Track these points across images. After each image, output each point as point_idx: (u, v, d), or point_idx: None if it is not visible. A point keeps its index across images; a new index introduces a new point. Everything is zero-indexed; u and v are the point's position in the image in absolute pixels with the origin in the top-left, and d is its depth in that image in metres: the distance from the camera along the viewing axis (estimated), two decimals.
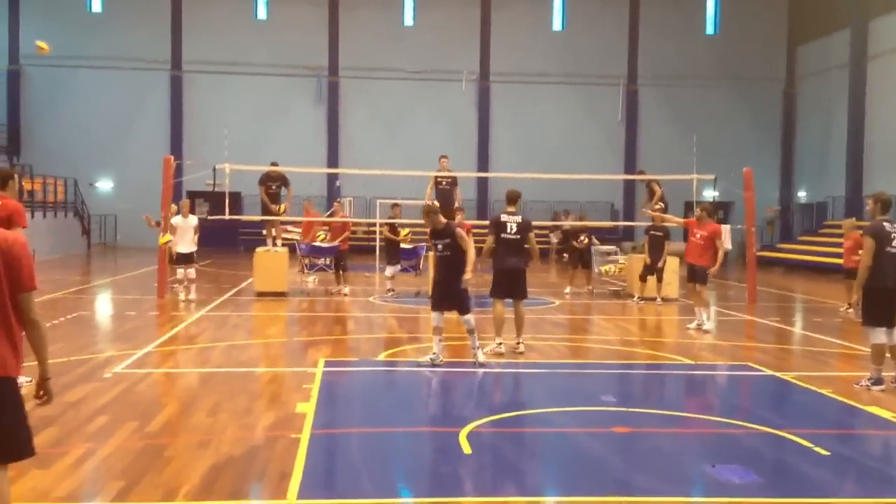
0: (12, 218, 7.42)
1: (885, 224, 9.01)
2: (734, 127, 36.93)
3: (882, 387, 9.06)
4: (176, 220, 16.82)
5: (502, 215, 10.94)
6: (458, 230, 9.92)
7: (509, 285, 10.84)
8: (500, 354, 10.67)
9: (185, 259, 16.56)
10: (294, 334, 13.03)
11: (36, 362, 4.14)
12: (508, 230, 10.72)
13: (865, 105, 31.70)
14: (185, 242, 16.55)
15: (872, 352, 9.17)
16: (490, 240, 10.85)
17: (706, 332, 13.22)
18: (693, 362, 10.88)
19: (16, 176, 7.97)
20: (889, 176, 30.42)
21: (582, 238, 19.34)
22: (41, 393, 4.18)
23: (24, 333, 4.06)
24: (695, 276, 13.57)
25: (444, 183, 17.24)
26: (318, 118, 36.36)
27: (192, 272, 16.52)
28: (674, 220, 16.71)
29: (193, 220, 16.78)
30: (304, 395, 8.30)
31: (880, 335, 9.03)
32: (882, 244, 8.90)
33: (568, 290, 18.79)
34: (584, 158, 34.74)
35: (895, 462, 6.79)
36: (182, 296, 16.42)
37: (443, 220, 10.17)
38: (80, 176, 33.04)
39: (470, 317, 9.91)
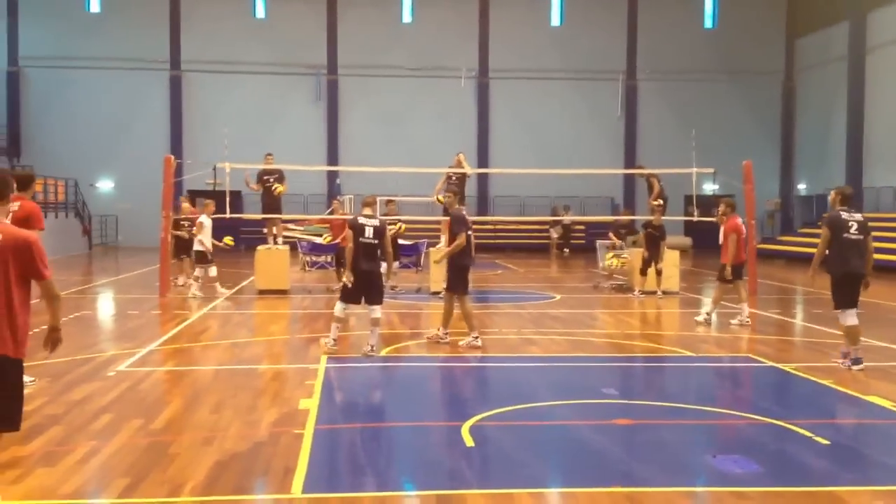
0: (30, 219, 7.73)
1: (841, 213, 9.73)
2: (733, 120, 36.95)
3: (862, 366, 9.52)
4: (203, 219, 16.84)
5: (359, 218, 10.55)
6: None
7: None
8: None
9: (208, 258, 16.58)
10: (296, 331, 13.07)
11: (39, 362, 4.38)
12: (366, 234, 10.34)
13: (864, 97, 31.73)
14: (210, 241, 16.61)
15: (848, 333, 9.69)
16: (461, 237, 10.98)
17: (743, 325, 13.14)
18: (694, 354, 10.93)
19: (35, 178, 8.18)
20: (888, 167, 30.48)
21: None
22: (49, 341, 4.88)
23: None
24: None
25: (453, 179, 17.38)
26: (317, 116, 36.39)
27: (213, 270, 16.58)
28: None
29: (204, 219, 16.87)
30: (306, 391, 8.35)
31: (852, 317, 9.62)
32: (840, 231, 9.62)
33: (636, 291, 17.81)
34: (583, 153, 34.77)
35: (895, 451, 6.82)
36: (197, 293, 16.36)
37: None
38: (81, 176, 33.07)
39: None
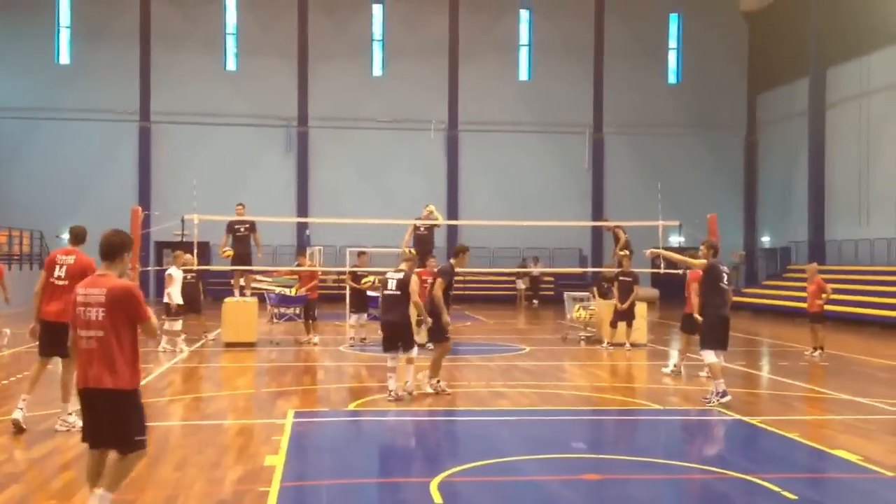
0: (85, 273, 7.99)
1: (718, 264, 11.03)
2: (698, 174, 37.57)
3: (728, 398, 10.55)
4: (172, 271, 16.68)
5: (387, 273, 11.46)
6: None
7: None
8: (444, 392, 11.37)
9: (173, 310, 16.41)
10: (263, 385, 12.92)
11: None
12: (389, 286, 11.13)
13: (825, 151, 32.45)
14: (179, 293, 16.43)
15: (712, 369, 10.86)
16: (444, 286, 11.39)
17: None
18: (662, 408, 10.96)
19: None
20: (849, 220, 31.08)
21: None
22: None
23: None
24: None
25: (422, 229, 17.52)
26: (287, 168, 36.47)
27: (178, 324, 16.40)
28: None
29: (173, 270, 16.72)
30: (273, 447, 8.24)
31: (713, 355, 10.78)
32: (716, 280, 10.89)
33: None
34: (552, 205, 35.16)
35: None
36: (167, 346, 16.13)
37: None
38: (47, 228, 32.70)
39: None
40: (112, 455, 5.62)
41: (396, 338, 11.06)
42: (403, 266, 11.29)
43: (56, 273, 8.76)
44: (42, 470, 7.31)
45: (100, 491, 5.50)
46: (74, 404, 9.88)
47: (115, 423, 5.47)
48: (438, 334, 11.40)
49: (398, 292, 10.98)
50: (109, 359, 5.42)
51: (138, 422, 5.57)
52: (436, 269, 12.56)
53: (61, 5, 35.87)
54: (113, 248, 5.64)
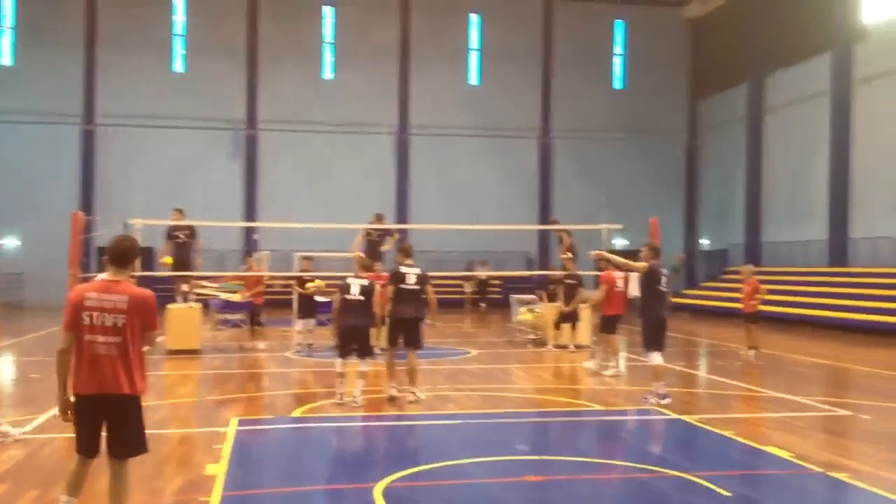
0: None
1: (658, 267, 11.29)
2: (641, 178, 38.13)
3: (669, 399, 10.85)
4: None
5: (401, 267, 11.38)
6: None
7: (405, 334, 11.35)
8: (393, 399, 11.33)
9: None
10: (206, 393, 12.81)
11: None
12: (407, 281, 11.25)
13: (762, 157, 33.23)
14: None
15: (655, 371, 11.11)
16: (390, 290, 11.27)
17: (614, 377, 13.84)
18: (604, 408, 11.15)
19: None
20: (784, 223, 31.88)
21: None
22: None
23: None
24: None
25: (374, 235, 17.59)
26: (235, 171, 36.11)
27: None
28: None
29: None
30: (214, 456, 8.18)
31: (658, 357, 11.06)
32: (654, 283, 11.22)
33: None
34: (500, 209, 35.40)
35: (793, 500, 7.08)
36: None
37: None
38: None
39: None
40: (113, 470, 5.67)
41: (355, 344, 11.04)
42: (363, 273, 11.32)
43: None
44: None
45: None
46: (4, 415, 9.71)
47: (130, 428, 5.59)
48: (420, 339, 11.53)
49: (362, 298, 10.98)
50: (128, 365, 5.49)
51: (143, 427, 5.71)
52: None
53: (5, 5, 35.02)
54: (124, 254, 5.68)
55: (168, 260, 17.40)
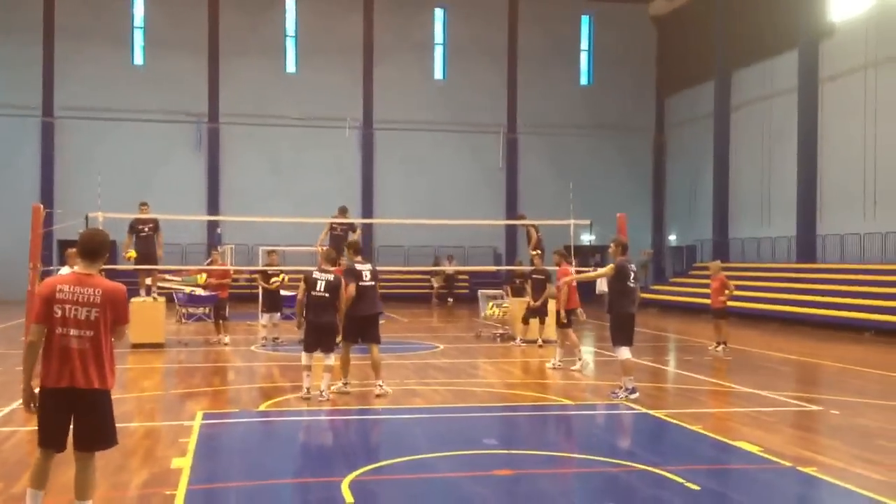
0: None
1: (627, 263, 11.31)
2: (609, 174, 38.30)
3: (637, 395, 10.91)
4: (64, 270, 16.04)
5: (356, 265, 11.31)
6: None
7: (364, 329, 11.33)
8: (347, 394, 11.25)
9: None
10: (171, 387, 12.63)
11: None
12: (364, 278, 11.20)
13: (730, 153, 33.51)
14: None
15: (624, 366, 11.10)
16: (350, 288, 11.11)
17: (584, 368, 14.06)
18: (572, 403, 11.14)
19: None
20: (752, 220, 32.21)
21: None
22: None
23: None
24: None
25: (338, 230, 17.54)
26: (198, 165, 35.66)
27: None
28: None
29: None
30: (180, 449, 8.05)
31: (627, 352, 11.10)
32: (625, 279, 11.21)
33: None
34: (467, 204, 35.37)
35: (760, 495, 7.10)
36: None
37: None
38: None
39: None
40: (80, 463, 5.63)
41: (322, 339, 10.97)
42: (329, 267, 11.18)
43: None
44: None
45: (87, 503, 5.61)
46: None
47: (100, 422, 5.55)
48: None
49: (327, 295, 10.87)
50: (99, 359, 5.46)
51: (113, 420, 5.69)
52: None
53: None
54: (96, 247, 5.64)
55: (132, 254, 17.16)
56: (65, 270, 16.08)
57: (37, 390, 5.52)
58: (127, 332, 5.80)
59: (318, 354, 11.00)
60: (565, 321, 14.23)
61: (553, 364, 14.20)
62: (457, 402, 11.27)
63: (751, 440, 8.63)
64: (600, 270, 12.03)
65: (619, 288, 11.28)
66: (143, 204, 17.87)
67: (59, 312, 5.40)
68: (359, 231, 18.36)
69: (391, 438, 9.26)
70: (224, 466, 7.94)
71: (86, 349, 5.43)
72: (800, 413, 10.68)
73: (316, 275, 11.00)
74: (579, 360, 14.17)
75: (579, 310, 14.14)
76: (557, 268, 14.89)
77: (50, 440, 5.53)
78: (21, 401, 5.63)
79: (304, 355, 11.04)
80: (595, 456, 8.24)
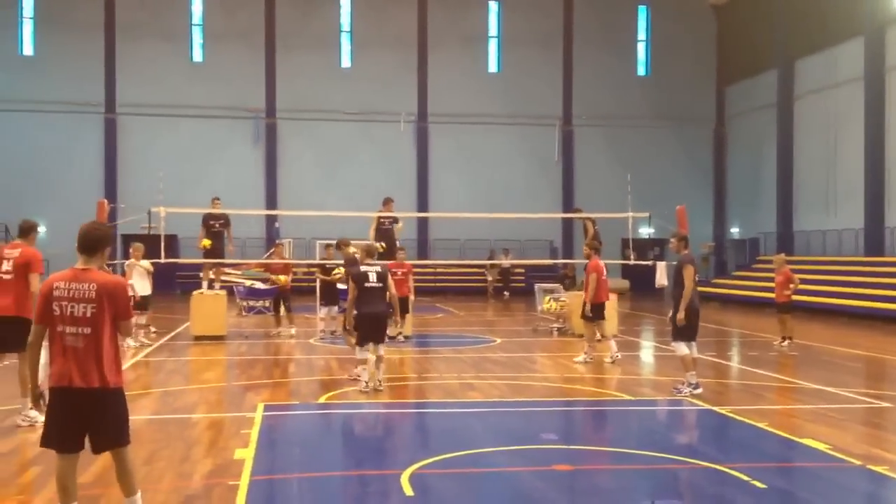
0: (30, 264, 8.65)
1: (694, 258, 11.12)
2: (667, 165, 37.76)
3: (700, 390, 10.72)
4: (133, 263, 16.36)
5: (362, 267, 11.24)
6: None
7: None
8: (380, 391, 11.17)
9: (145, 304, 16.19)
10: (233, 378, 12.81)
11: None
12: (370, 279, 11.07)
13: (793, 143, 32.76)
14: (141, 286, 16.05)
15: (683, 361, 10.92)
16: (352, 287, 11.13)
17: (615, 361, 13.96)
18: (633, 398, 11.00)
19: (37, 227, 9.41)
20: (816, 211, 31.45)
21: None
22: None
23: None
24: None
25: (386, 223, 17.57)
26: (256, 160, 36.15)
27: (143, 318, 16.24)
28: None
29: (145, 263, 16.33)
30: (242, 440, 8.15)
31: (684, 347, 10.86)
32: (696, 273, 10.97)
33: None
34: (522, 197, 35.17)
35: (828, 494, 6.91)
36: (133, 343, 15.81)
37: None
38: (11, 220, 32.15)
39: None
40: (116, 460, 5.47)
41: (377, 330, 11.04)
42: (370, 260, 11.28)
43: (3, 267, 8.66)
44: (7, 466, 7.17)
45: (132, 498, 5.47)
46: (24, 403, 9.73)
47: (107, 421, 5.32)
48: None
49: (380, 284, 11.02)
50: (98, 356, 5.23)
51: (126, 417, 5.47)
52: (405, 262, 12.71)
53: None
54: (94, 242, 5.42)
55: (207, 242, 17.49)
56: (134, 263, 16.43)
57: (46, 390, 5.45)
58: (132, 326, 5.64)
59: (371, 346, 11.05)
60: (590, 314, 14.11)
61: (583, 359, 13.98)
62: (514, 396, 11.23)
63: (818, 438, 8.41)
64: (687, 289, 10.83)
65: (683, 284, 10.95)
66: (216, 199, 18.19)
67: (58, 310, 5.25)
68: (401, 223, 18.33)
69: (449, 432, 9.25)
70: (285, 458, 8.01)
71: (83, 347, 5.22)
72: (868, 410, 10.38)
73: (364, 268, 11.11)
74: (585, 353, 13.99)
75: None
76: (587, 261, 14.68)
77: (51, 440, 5.33)
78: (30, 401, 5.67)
79: (358, 350, 11.08)
80: (657, 452, 8.11)
